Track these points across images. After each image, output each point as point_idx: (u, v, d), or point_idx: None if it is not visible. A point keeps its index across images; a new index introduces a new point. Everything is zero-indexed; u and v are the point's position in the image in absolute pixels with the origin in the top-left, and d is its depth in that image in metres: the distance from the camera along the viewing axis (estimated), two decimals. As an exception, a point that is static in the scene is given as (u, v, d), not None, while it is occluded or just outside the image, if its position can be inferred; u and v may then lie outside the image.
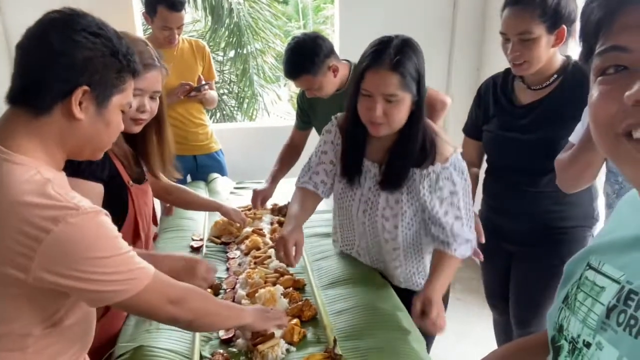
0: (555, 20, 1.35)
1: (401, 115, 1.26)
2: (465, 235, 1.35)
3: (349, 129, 1.39)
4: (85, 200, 0.83)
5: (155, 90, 1.27)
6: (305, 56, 1.76)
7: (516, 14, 1.38)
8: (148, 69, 1.22)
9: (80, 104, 0.85)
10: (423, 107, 1.29)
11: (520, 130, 1.52)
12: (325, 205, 1.89)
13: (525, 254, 1.65)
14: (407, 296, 1.42)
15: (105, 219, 0.86)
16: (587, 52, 0.55)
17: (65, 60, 0.83)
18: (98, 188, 1.17)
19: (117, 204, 1.22)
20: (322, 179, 1.49)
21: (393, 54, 1.22)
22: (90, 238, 0.81)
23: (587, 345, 0.57)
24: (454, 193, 1.32)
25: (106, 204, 1.16)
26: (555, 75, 1.46)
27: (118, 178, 1.23)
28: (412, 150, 1.31)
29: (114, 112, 0.92)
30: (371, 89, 1.24)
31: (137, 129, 1.27)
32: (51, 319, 0.86)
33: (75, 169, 1.09)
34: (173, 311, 0.95)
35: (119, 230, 1.26)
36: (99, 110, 0.88)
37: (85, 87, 0.84)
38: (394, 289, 1.48)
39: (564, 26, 1.36)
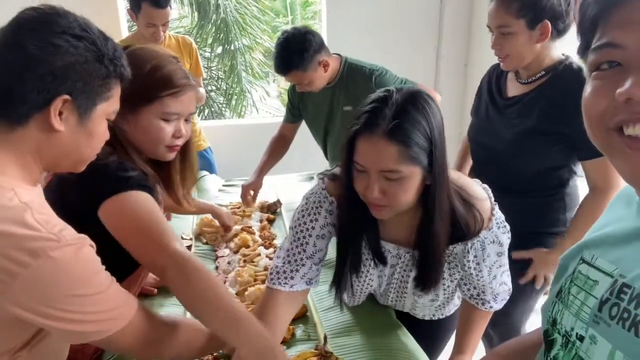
0: (536, 15, 1.31)
1: (407, 195, 0.96)
2: (506, 288, 1.18)
3: (351, 209, 1.06)
4: (68, 229, 0.75)
5: (191, 113, 1.14)
6: (294, 52, 1.75)
7: (496, 8, 1.36)
8: (183, 91, 1.08)
9: (60, 114, 0.76)
10: (442, 178, 0.97)
11: (497, 122, 1.49)
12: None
13: None
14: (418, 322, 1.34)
15: (89, 251, 0.77)
16: (584, 47, 0.56)
17: (42, 68, 0.73)
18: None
19: None
20: (318, 268, 1.16)
21: (390, 117, 0.90)
22: (71, 274, 0.72)
23: (580, 338, 0.58)
24: (502, 253, 1.11)
25: None
26: (543, 72, 1.41)
27: None
28: (439, 237, 1.03)
29: (98, 122, 0.82)
30: (364, 162, 0.94)
31: (171, 156, 1.13)
32: (14, 348, 0.79)
33: (126, 183, 0.96)
34: (152, 352, 0.90)
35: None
36: (81, 121, 0.79)
37: (66, 97, 0.75)
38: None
39: (547, 21, 1.32)
